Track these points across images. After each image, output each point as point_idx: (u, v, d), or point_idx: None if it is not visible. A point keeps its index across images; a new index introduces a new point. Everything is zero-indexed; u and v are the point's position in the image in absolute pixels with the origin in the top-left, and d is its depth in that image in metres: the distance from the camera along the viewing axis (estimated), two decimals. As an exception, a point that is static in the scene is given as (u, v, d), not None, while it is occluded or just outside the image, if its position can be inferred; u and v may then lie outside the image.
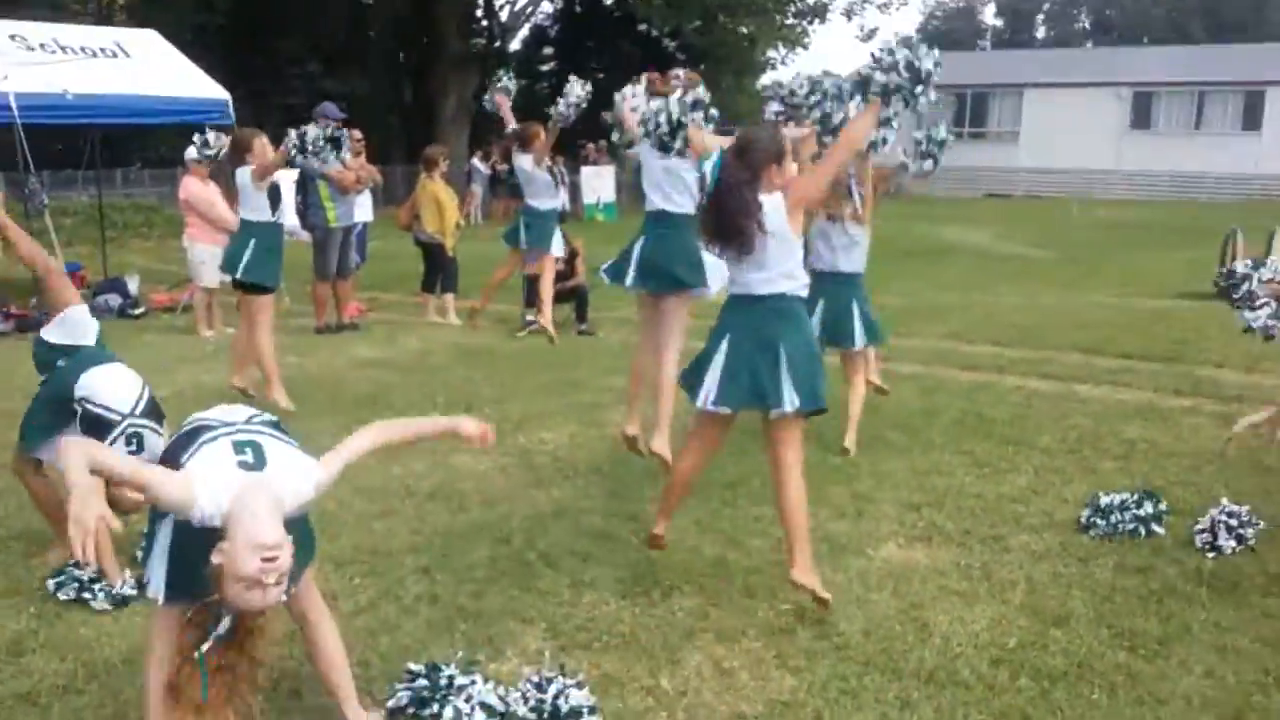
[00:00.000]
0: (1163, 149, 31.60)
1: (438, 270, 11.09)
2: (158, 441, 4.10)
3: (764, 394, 3.91)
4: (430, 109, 30.79)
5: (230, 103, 11.88)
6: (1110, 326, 10.15)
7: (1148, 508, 4.91)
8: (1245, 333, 4.67)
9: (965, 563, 4.58)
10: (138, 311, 11.56)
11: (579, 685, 3.29)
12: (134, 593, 4.19)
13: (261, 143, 7.29)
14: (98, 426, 4.12)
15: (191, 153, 10.37)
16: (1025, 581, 4.39)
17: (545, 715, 3.18)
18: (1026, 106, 33.82)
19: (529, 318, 10.35)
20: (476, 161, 26.02)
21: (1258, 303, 4.56)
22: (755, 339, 3.94)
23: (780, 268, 3.94)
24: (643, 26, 32.85)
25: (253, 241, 7.21)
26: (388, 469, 5.89)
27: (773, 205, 3.90)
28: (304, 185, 10.47)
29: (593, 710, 3.25)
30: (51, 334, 4.53)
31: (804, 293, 4.04)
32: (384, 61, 32.81)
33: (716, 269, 5.30)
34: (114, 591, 4.18)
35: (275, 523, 2.56)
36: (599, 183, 24.31)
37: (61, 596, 4.18)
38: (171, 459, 2.80)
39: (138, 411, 4.22)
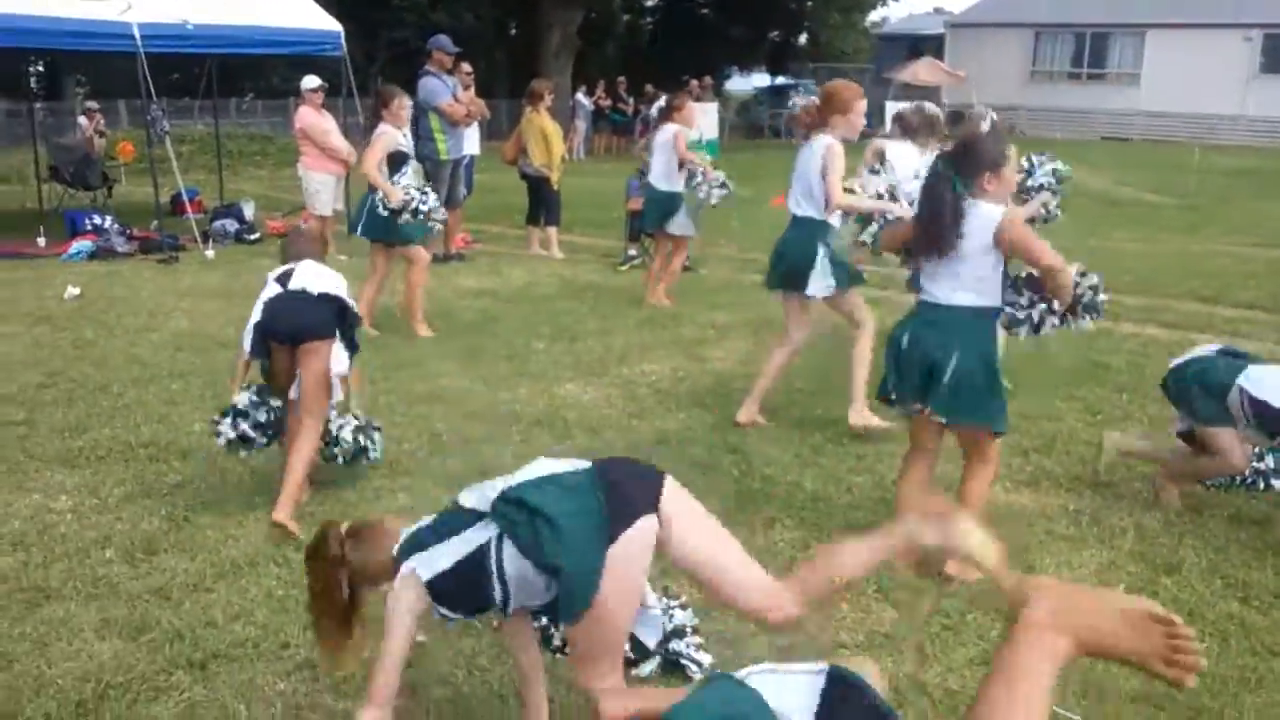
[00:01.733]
0: (1295, 94, 30.02)
1: (542, 204, 11.16)
2: None
3: (926, 397, 3.83)
4: (535, 43, 30.75)
5: (342, 35, 12.03)
6: (1231, 275, 9.78)
7: (1269, 461, 4.75)
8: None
9: (1074, 508, 4.52)
10: (253, 237, 11.88)
11: (683, 606, 3.35)
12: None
13: (400, 102, 7.49)
14: None
15: (307, 82, 10.59)
16: (1135, 529, 4.31)
17: (651, 632, 3.24)
18: (1149, 48, 32.34)
19: (631, 252, 10.40)
20: (580, 97, 25.96)
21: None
22: (928, 345, 3.81)
23: (969, 278, 3.77)
24: (751, -39, 32.26)
25: (371, 199, 7.33)
26: (495, 395, 6.02)
27: (983, 214, 3.72)
28: (416, 118, 10.58)
29: (695, 630, 3.30)
30: None
31: (993, 305, 3.84)
32: (490, -5, 32.77)
33: (821, 276, 5.32)
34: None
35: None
36: (703, 119, 24.03)
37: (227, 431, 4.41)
38: None
39: None
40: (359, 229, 7.49)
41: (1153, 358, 6.93)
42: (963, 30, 35.98)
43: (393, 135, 7.37)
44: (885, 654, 3.36)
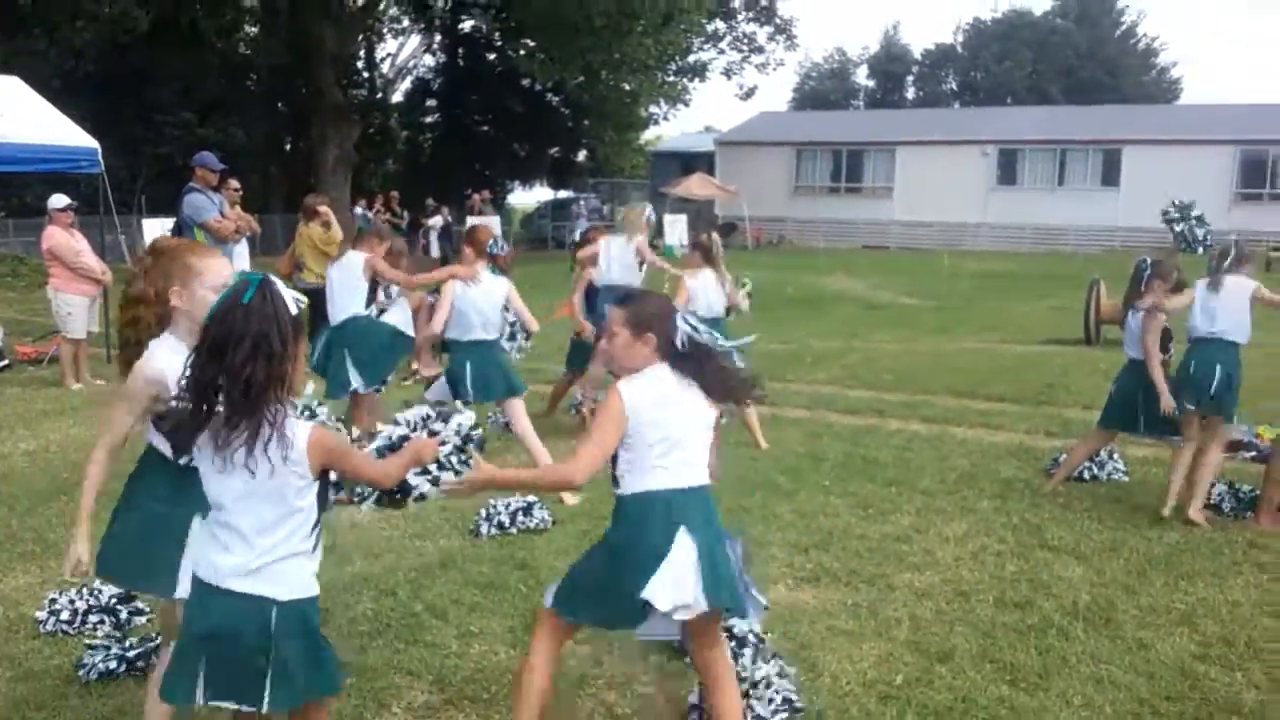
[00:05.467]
0: (1027, 203, 33.04)
1: (320, 319, 10.83)
2: None
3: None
4: (312, 158, 30.40)
5: (99, 151, 11.50)
6: (982, 371, 10.50)
7: None
8: None
9: (852, 602, 4.64)
10: (1, 364, 11.03)
11: None
12: None
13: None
14: None
15: (54, 201, 10.05)
16: (910, 619, 4.46)
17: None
18: (900, 163, 35.05)
19: (414, 365, 10.23)
20: (360, 210, 25.73)
21: None
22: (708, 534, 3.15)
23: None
24: (526, 81, 33.14)
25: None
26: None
27: None
28: (180, 233, 10.17)
29: None
30: None
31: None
32: (263, 111, 32.30)
33: None
34: None
35: None
36: (484, 234, 24.27)
37: None
38: None
39: None
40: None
41: (916, 451, 7.31)
42: (731, 148, 38.01)
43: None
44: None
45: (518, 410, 6.35)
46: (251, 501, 2.54)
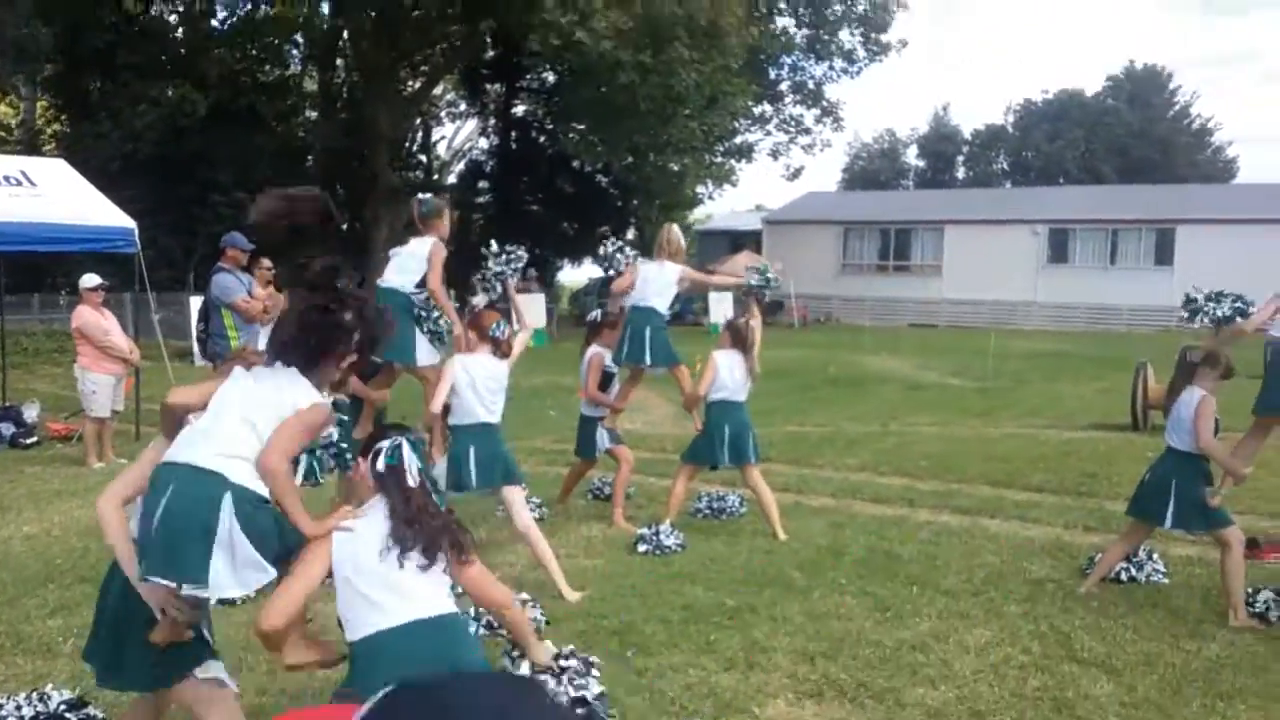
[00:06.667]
0: (1079, 282, 32.51)
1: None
2: None
3: None
4: (364, 239, 30.84)
5: (136, 231, 11.64)
6: (1021, 458, 10.08)
7: None
8: None
9: (856, 720, 4.30)
10: (29, 441, 11.07)
11: None
12: None
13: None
14: None
15: (86, 281, 10.13)
16: (919, 743, 4.12)
17: None
18: (948, 242, 34.76)
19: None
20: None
21: None
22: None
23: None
24: (576, 163, 33.48)
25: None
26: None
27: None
28: (207, 313, 10.17)
29: None
30: None
31: None
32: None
33: None
34: None
35: None
36: (530, 310, 24.34)
37: None
38: None
39: None
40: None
41: (944, 546, 6.94)
42: (779, 226, 38.03)
43: (602, 355, 7.77)
44: None
45: (518, 500, 6.09)
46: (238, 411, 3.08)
